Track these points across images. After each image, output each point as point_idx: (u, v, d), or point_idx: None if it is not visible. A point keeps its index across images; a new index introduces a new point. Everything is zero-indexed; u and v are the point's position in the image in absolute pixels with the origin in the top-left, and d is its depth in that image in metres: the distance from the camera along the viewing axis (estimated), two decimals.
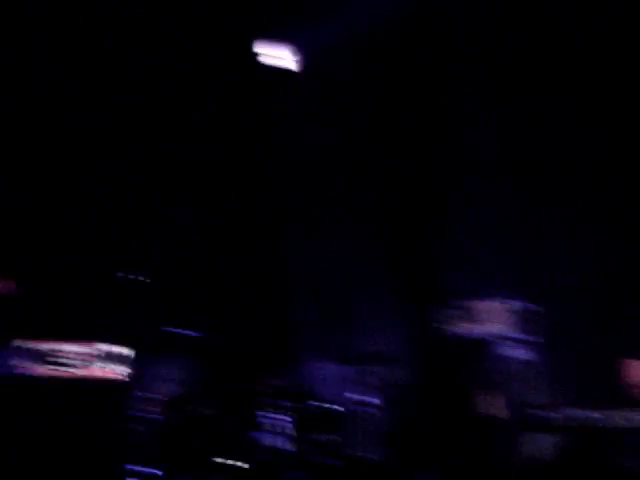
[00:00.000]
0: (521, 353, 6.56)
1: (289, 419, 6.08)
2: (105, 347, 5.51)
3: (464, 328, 6.52)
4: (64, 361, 5.41)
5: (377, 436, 6.38)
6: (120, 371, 5.51)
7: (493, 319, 6.46)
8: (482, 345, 6.46)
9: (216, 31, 7.37)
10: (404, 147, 7.46)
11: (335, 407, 6.23)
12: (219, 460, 5.89)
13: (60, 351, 5.43)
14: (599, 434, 4.82)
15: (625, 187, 7.19)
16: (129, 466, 5.53)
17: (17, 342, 5.40)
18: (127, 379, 5.55)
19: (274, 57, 7.18)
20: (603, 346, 7.02)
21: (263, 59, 7.24)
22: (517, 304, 6.47)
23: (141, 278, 6.22)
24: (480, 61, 7.47)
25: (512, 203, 7.43)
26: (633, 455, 4.77)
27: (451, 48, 7.49)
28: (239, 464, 5.91)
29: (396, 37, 7.42)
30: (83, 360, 5.46)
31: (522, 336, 6.57)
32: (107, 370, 5.49)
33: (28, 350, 5.38)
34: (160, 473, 5.69)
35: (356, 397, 6.36)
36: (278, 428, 6.06)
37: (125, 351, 5.57)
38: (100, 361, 5.46)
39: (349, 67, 7.51)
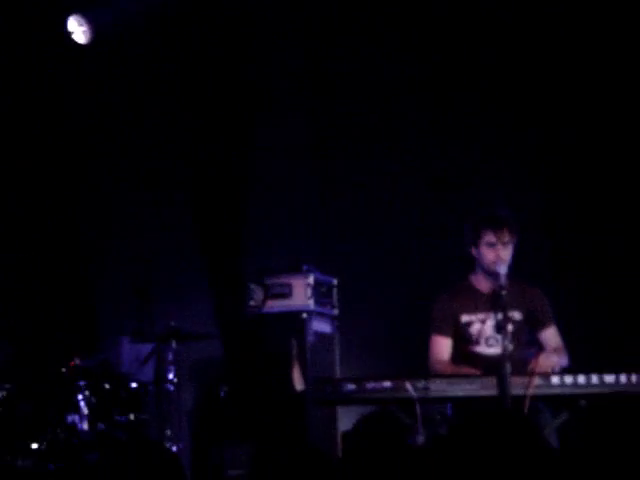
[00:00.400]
0: (324, 327, 6.64)
1: (91, 399, 5.98)
2: None
3: (269, 304, 6.54)
4: None
5: (180, 414, 6.35)
6: None
7: (297, 294, 6.51)
8: (288, 320, 6.50)
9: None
10: (203, 125, 7.40)
11: (137, 386, 6.16)
12: (19, 441, 5.76)
13: None
14: (397, 403, 4.93)
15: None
16: None
17: None
18: None
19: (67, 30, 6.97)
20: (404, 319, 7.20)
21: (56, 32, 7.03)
22: (317, 277, 6.53)
23: None
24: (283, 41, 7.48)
25: (311, 181, 7.52)
26: (426, 425, 4.90)
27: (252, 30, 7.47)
28: (39, 445, 5.79)
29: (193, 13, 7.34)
30: None
31: (325, 310, 6.65)
32: None
33: None
34: None
35: (159, 375, 6.30)
36: (80, 408, 5.96)
37: None
38: None
39: (145, 42, 7.37)
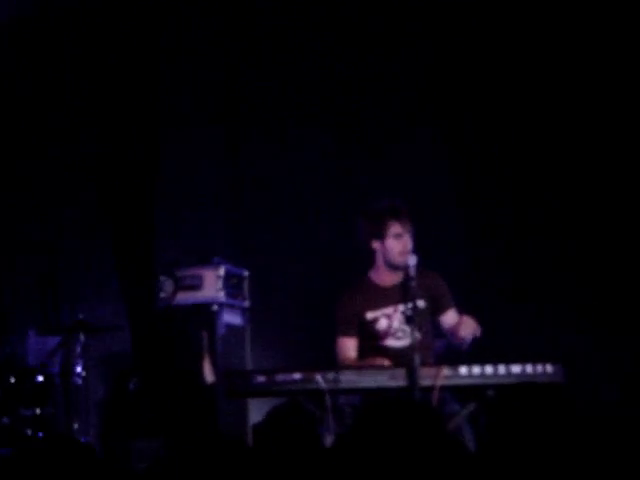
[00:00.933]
0: (235, 319, 6.62)
1: None
2: None
3: (179, 296, 6.48)
4: None
5: (88, 407, 6.27)
6: None
7: (207, 286, 6.47)
8: (198, 312, 6.46)
9: None
10: (112, 116, 7.30)
11: (43, 379, 6.07)
12: None
13: None
14: (307, 395, 4.94)
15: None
16: None
17: None
18: None
19: None
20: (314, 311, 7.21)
21: None
22: (228, 269, 6.50)
23: None
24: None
25: (222, 173, 7.50)
26: (336, 416, 4.93)
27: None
28: None
29: None
30: None
31: (236, 302, 6.62)
32: None
33: None
34: None
35: (67, 368, 6.21)
36: None
37: None
38: None
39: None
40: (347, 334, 5.40)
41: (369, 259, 5.48)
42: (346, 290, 5.51)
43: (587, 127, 7.29)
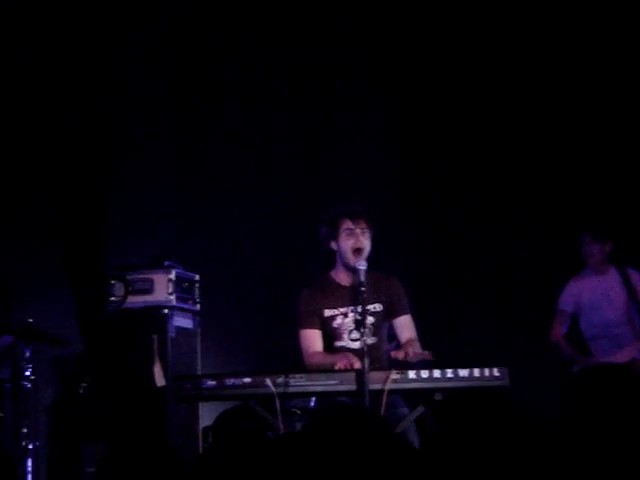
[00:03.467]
0: (186, 322, 6.62)
1: None
2: None
3: (130, 300, 6.48)
4: None
5: (37, 411, 6.23)
6: None
7: (158, 289, 6.47)
8: (149, 316, 6.45)
9: None
10: (62, 120, 7.26)
11: None
12: None
13: None
14: (257, 399, 4.96)
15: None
16: None
17: None
18: None
19: None
20: (265, 315, 7.24)
21: None
22: (179, 272, 6.51)
23: None
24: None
25: (173, 178, 7.50)
26: (287, 418, 4.96)
27: None
28: None
29: None
30: None
31: (187, 305, 6.63)
32: None
33: None
34: None
35: (16, 372, 6.17)
36: None
37: None
38: None
39: None
40: (311, 326, 5.40)
41: (331, 260, 5.53)
42: (307, 286, 5.54)
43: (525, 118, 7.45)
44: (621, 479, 2.73)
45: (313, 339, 5.39)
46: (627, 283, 6.88)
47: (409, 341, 5.36)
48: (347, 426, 2.73)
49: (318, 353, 5.36)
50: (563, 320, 6.95)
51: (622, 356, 6.75)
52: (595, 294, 6.91)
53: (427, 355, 5.16)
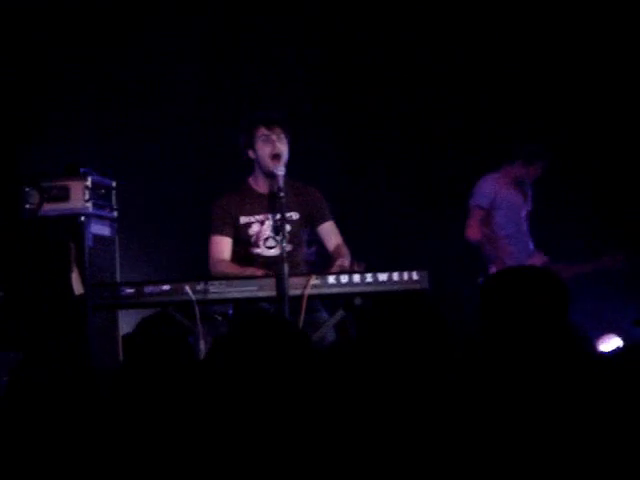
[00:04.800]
0: (103, 230, 6.53)
1: None
2: None
3: (45, 208, 6.36)
4: None
5: None
6: None
7: (74, 197, 6.35)
8: (65, 224, 6.35)
9: None
10: None
11: None
12: None
13: None
14: (176, 306, 4.95)
15: None
16: None
17: None
18: None
19: None
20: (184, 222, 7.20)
21: None
22: (95, 179, 6.40)
23: None
24: None
25: (89, 84, 7.35)
26: (208, 324, 4.96)
27: None
28: None
29: None
30: None
31: (104, 212, 6.53)
32: None
33: None
34: None
35: None
36: None
37: None
38: None
39: None
40: (222, 232, 5.39)
41: (250, 167, 5.49)
42: (224, 192, 5.51)
43: None
44: (532, 378, 2.77)
45: (222, 246, 5.38)
46: (525, 195, 7.04)
47: (337, 247, 5.38)
48: (262, 333, 2.72)
49: (224, 261, 5.35)
50: (479, 216, 6.91)
51: (539, 259, 6.85)
52: (511, 192, 6.98)
53: (360, 267, 5.17)
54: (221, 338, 2.90)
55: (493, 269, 6.77)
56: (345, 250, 5.40)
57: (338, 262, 5.21)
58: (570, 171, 7.46)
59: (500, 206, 6.93)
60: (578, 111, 7.65)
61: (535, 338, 2.86)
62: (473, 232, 6.87)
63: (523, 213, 7.04)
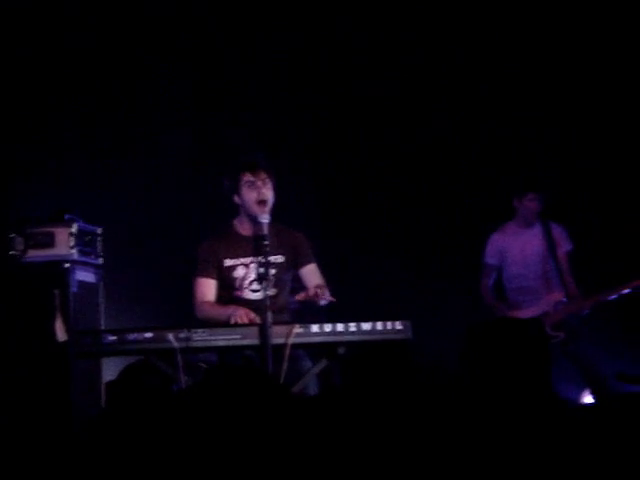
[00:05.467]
0: (88, 277, 6.53)
1: None
2: None
3: (30, 254, 6.36)
4: None
5: None
6: None
7: (59, 243, 6.36)
8: (50, 270, 6.35)
9: None
10: None
11: None
12: None
13: None
14: (159, 354, 4.94)
15: None
16: None
17: None
18: None
19: None
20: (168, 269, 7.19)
21: None
22: (81, 226, 6.41)
23: None
24: None
25: (73, 129, 7.37)
26: (188, 373, 4.93)
27: None
28: None
29: None
30: None
31: (89, 259, 6.53)
32: None
33: None
34: None
35: None
36: None
37: None
38: None
39: None
40: (206, 275, 5.39)
41: (235, 211, 5.51)
42: (209, 235, 5.52)
43: None
44: (510, 424, 2.78)
45: (206, 288, 5.38)
46: (548, 236, 7.01)
47: (317, 286, 5.37)
48: (235, 384, 2.72)
49: (208, 303, 5.35)
50: (489, 273, 7.09)
51: (535, 309, 6.89)
52: (517, 247, 7.03)
53: (329, 297, 5.16)
54: (195, 388, 2.90)
55: None
56: (325, 290, 5.39)
57: (316, 285, 5.21)
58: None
59: (508, 258, 7.03)
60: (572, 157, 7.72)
61: (506, 392, 2.87)
62: (481, 287, 7.06)
63: (537, 255, 7.02)
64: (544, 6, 7.59)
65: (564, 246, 7.04)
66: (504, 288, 7.13)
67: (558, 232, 7.05)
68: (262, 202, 5.33)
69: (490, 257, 7.10)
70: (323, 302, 5.18)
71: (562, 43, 7.59)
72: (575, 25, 7.55)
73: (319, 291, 5.14)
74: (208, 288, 5.39)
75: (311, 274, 5.46)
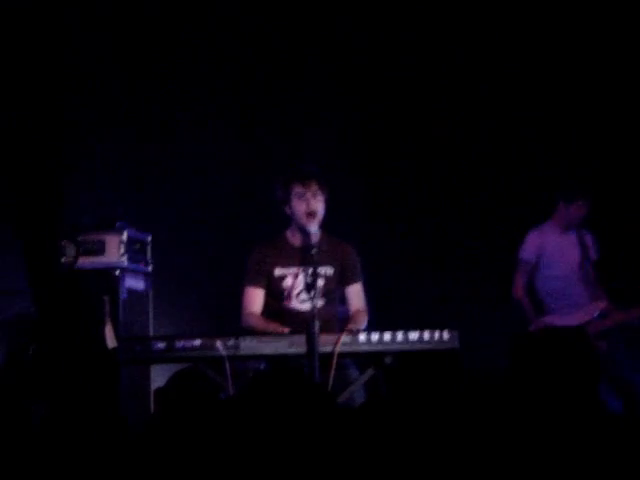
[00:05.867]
0: (137, 284, 6.59)
1: None
2: None
3: (81, 261, 6.43)
4: None
5: None
6: None
7: (110, 251, 6.42)
8: (101, 277, 6.41)
9: None
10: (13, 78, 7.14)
11: None
12: None
13: None
14: (207, 361, 4.96)
15: None
16: None
17: None
18: None
19: None
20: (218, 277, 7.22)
21: None
22: (131, 234, 6.46)
23: None
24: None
25: (125, 137, 7.43)
26: (235, 381, 4.96)
27: None
28: None
29: None
30: None
31: (139, 267, 6.59)
32: None
33: None
34: None
35: None
36: None
37: None
38: None
39: None
40: (255, 284, 5.40)
41: (287, 220, 5.52)
42: (260, 243, 5.53)
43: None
44: (559, 442, 2.76)
45: (254, 298, 5.39)
46: (582, 243, 6.94)
47: (356, 312, 5.39)
48: (281, 391, 2.73)
49: (254, 316, 5.36)
50: (524, 269, 6.93)
51: (578, 317, 6.79)
52: (557, 249, 6.94)
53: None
54: (241, 396, 2.91)
55: (532, 327, 6.74)
56: (361, 317, 5.41)
57: (348, 327, 5.24)
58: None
59: (546, 259, 6.92)
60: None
61: (555, 405, 2.85)
62: (516, 290, 6.90)
63: (576, 261, 6.95)
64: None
65: (592, 255, 6.97)
66: (536, 289, 7.00)
67: (590, 240, 6.98)
68: (311, 214, 5.32)
69: (527, 253, 6.94)
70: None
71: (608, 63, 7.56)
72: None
73: (353, 329, 5.14)
74: (256, 297, 5.40)
75: (354, 295, 5.46)
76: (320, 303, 5.16)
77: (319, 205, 5.34)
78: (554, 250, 6.92)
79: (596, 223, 7.03)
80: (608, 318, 6.80)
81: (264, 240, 5.56)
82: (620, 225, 7.43)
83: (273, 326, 5.20)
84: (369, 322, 5.41)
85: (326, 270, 5.36)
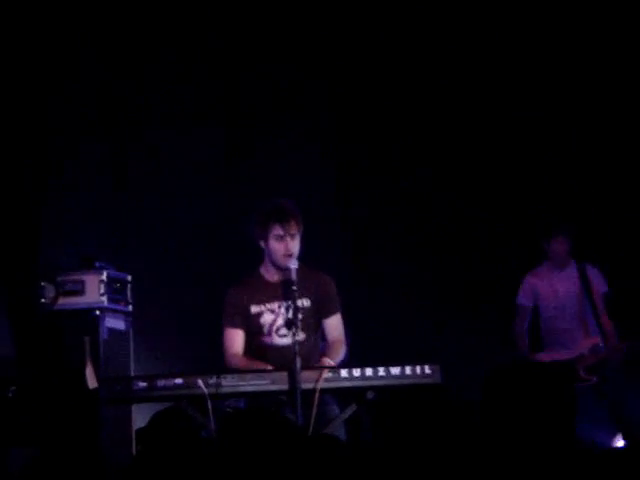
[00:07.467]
0: (118, 324, 6.57)
1: None
2: None
3: (61, 302, 6.42)
4: None
5: None
6: None
7: (89, 291, 6.41)
8: (81, 318, 6.40)
9: None
10: None
11: None
12: None
13: None
14: (189, 400, 4.95)
15: None
16: None
17: None
18: None
19: None
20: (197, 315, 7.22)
21: None
22: (111, 273, 6.45)
23: None
24: None
25: (103, 178, 7.44)
26: (217, 419, 4.94)
27: None
28: None
29: None
30: None
31: (119, 306, 6.58)
32: None
33: None
34: None
35: None
36: None
37: None
38: None
39: None
40: (233, 325, 5.40)
41: (261, 255, 5.52)
42: (235, 283, 5.54)
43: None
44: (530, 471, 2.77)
45: (234, 339, 5.39)
46: (584, 278, 6.98)
47: (334, 343, 5.39)
48: (256, 430, 2.73)
49: (236, 356, 5.36)
50: (522, 315, 7.04)
51: (568, 353, 6.85)
52: (549, 288, 7.01)
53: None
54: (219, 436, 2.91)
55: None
56: (338, 347, 5.40)
57: (323, 360, 5.25)
58: None
59: (541, 301, 7.02)
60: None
61: (525, 438, 2.86)
62: (514, 330, 7.03)
63: (573, 297, 7.00)
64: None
65: (600, 288, 7.00)
66: (540, 329, 7.10)
67: (593, 274, 7.02)
68: (290, 255, 5.34)
69: (523, 298, 7.08)
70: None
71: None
72: None
73: (327, 362, 5.17)
74: (236, 338, 5.40)
75: (332, 328, 5.46)
76: (301, 336, 5.16)
77: (296, 245, 5.36)
78: (547, 290, 7.01)
79: (608, 255, 7.10)
80: (598, 353, 6.85)
81: (238, 280, 5.56)
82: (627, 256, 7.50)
83: (257, 365, 5.20)
84: (350, 354, 5.40)
85: (303, 302, 5.36)
